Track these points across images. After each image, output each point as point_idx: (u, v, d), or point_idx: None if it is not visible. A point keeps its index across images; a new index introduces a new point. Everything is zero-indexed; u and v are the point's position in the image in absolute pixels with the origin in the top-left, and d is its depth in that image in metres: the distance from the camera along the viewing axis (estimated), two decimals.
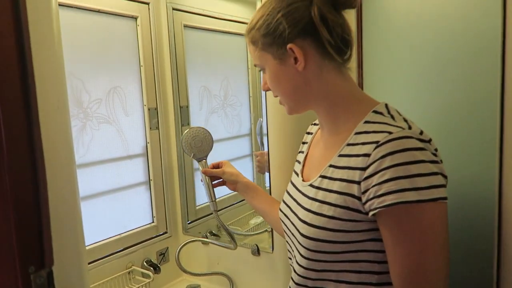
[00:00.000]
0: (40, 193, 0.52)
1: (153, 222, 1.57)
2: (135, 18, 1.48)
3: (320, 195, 0.77)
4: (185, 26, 1.61)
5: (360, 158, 0.70)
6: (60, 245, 0.62)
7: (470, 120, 1.04)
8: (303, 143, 1.00)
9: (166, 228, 1.60)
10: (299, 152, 0.99)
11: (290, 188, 0.92)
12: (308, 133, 1.00)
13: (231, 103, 1.78)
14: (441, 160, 0.71)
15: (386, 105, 0.77)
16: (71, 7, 1.28)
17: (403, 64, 1.15)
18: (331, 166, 0.77)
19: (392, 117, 0.74)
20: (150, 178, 1.55)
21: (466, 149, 1.05)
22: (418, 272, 0.67)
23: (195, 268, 1.58)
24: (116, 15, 1.41)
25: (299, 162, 0.94)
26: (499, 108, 0.94)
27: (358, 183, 0.70)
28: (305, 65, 0.77)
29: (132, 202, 1.51)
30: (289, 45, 0.75)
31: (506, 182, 0.93)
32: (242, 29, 1.83)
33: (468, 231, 1.06)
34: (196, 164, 1.47)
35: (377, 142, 0.68)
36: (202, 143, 1.24)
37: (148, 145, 1.54)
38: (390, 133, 0.68)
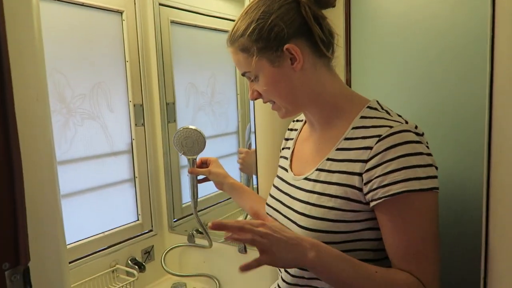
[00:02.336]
0: (15, 188, 0.50)
1: (138, 220, 1.55)
2: (121, 13, 1.45)
3: (318, 187, 0.79)
4: (172, 22, 1.59)
5: (361, 151, 0.73)
6: (38, 242, 0.60)
7: (458, 119, 1.04)
8: (286, 139, 1.00)
9: (152, 226, 1.58)
10: (283, 148, 0.99)
11: (279, 183, 0.92)
12: (291, 129, 1.01)
13: (218, 101, 1.77)
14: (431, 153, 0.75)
15: (377, 102, 0.81)
16: (56, 0, 1.25)
17: (391, 62, 1.16)
18: (328, 159, 0.79)
19: (387, 112, 0.78)
20: (135, 176, 1.53)
21: (454, 148, 1.06)
22: (420, 253, 0.71)
23: (181, 267, 1.57)
24: (101, 9, 1.38)
25: (286, 158, 0.95)
26: (488, 105, 0.95)
27: (360, 174, 0.73)
28: (302, 64, 0.78)
29: (117, 199, 1.48)
30: (286, 46, 0.76)
31: (493, 179, 0.93)
32: (230, 26, 1.82)
33: (456, 228, 1.07)
34: (183, 161, 1.46)
35: (379, 135, 0.72)
36: (193, 144, 1.25)
37: (133, 141, 1.51)
38: (391, 127, 0.72)
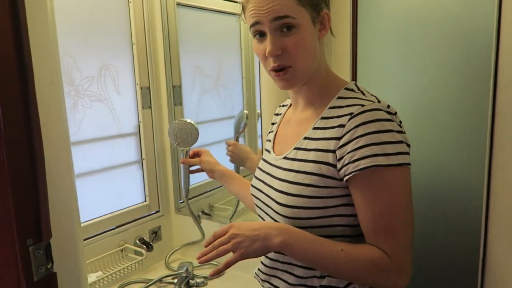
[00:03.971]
0: (37, 166, 0.52)
1: (145, 201, 1.58)
2: None
3: (296, 165, 0.82)
4: (178, 4, 1.59)
5: (336, 129, 0.76)
6: (56, 219, 0.63)
7: (461, 117, 1.05)
8: (273, 123, 1.04)
9: (159, 207, 1.61)
10: (269, 132, 1.03)
11: (262, 164, 0.96)
12: (277, 114, 1.05)
13: (223, 84, 1.77)
14: (404, 131, 0.78)
15: (355, 84, 0.85)
16: None
17: (395, 58, 1.16)
18: (306, 138, 0.82)
19: (362, 93, 0.82)
20: (143, 157, 1.55)
21: (455, 147, 1.07)
22: (389, 227, 0.73)
23: (187, 246, 1.61)
24: None
25: (269, 141, 0.98)
26: (491, 106, 0.95)
27: (334, 151, 0.76)
28: (323, 35, 0.83)
29: (125, 180, 1.51)
30: (325, 11, 0.80)
31: (494, 176, 0.95)
32: (236, 8, 1.81)
33: (455, 229, 1.09)
34: None
35: (351, 113, 0.75)
36: (187, 136, 1.32)
37: (141, 124, 1.53)
38: (362, 105, 0.75)
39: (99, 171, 1.41)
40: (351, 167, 0.73)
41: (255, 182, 0.96)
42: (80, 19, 1.31)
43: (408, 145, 0.76)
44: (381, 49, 1.18)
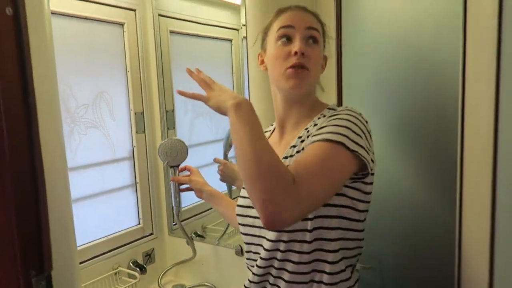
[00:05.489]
0: (40, 199, 0.56)
1: (139, 224, 1.61)
2: (122, 25, 1.51)
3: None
4: (171, 32, 1.65)
5: (309, 128, 0.88)
6: (55, 249, 0.66)
7: (434, 120, 1.12)
8: None
9: (152, 230, 1.64)
10: None
11: None
12: None
13: None
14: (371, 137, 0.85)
15: (336, 105, 0.95)
16: (60, 14, 1.30)
17: (377, 67, 1.23)
18: (292, 146, 0.89)
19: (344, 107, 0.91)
20: (137, 181, 1.58)
21: (430, 146, 1.14)
22: (307, 166, 0.75)
23: (180, 267, 1.63)
24: (103, 21, 1.44)
25: None
26: (460, 108, 1.02)
27: (303, 141, 0.86)
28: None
29: (119, 204, 1.54)
30: (325, 54, 0.96)
31: (466, 176, 1.00)
32: (227, 34, 1.88)
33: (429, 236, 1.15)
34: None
35: (324, 115, 0.88)
36: (177, 154, 1.35)
37: (135, 148, 1.57)
38: (334, 109, 0.89)
39: (94, 195, 1.44)
40: (304, 145, 0.83)
41: (241, 201, 0.97)
42: (76, 49, 1.36)
43: (367, 152, 0.80)
44: (363, 57, 1.26)
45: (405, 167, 1.19)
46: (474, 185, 0.97)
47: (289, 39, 0.89)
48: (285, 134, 0.96)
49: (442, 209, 1.12)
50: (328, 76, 1.05)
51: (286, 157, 0.89)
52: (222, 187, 1.41)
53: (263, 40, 0.97)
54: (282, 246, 0.85)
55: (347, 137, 0.77)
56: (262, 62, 0.98)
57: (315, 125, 0.87)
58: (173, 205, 1.42)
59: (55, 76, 0.76)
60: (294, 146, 0.88)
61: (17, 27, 0.56)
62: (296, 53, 0.86)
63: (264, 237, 0.88)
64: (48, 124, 0.68)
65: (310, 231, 0.82)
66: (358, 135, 0.79)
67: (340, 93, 1.31)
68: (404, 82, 1.17)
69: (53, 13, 1.28)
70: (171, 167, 1.36)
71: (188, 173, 1.32)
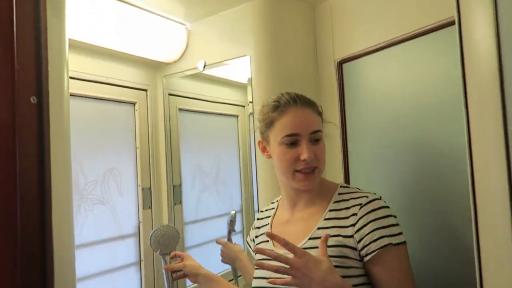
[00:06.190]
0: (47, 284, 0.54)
1: None
2: (134, 104, 1.58)
3: (314, 253, 0.85)
4: (180, 109, 1.72)
5: (349, 218, 0.90)
6: None
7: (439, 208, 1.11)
8: (258, 227, 1.11)
9: None
10: (257, 236, 1.09)
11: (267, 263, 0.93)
12: (259, 218, 1.13)
13: (222, 181, 1.83)
14: None
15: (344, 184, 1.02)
16: (75, 96, 1.37)
17: (378, 142, 1.26)
18: (319, 228, 0.93)
19: (357, 188, 0.98)
20: (141, 259, 1.54)
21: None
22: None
23: None
24: (116, 101, 1.51)
25: (267, 241, 1.02)
26: (468, 158, 1.01)
27: (352, 236, 0.89)
28: None
29: (123, 282, 1.48)
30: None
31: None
32: (234, 110, 1.95)
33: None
34: (186, 243, 1.48)
35: (360, 204, 0.91)
36: (170, 241, 1.29)
37: (141, 224, 1.55)
38: (367, 197, 0.92)
39: (99, 274, 1.40)
40: (373, 246, 0.86)
41: (257, 282, 0.96)
42: (88, 127, 1.41)
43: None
44: (365, 133, 1.28)
45: (414, 246, 1.16)
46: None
47: (293, 144, 0.94)
48: (296, 211, 1.01)
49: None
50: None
51: (313, 238, 0.92)
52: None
53: (263, 132, 1.00)
54: None
55: (399, 233, 0.88)
56: (264, 149, 1.02)
57: (345, 208, 0.92)
58: None
59: (69, 157, 0.78)
60: (323, 228, 0.92)
61: (39, 114, 0.59)
62: (305, 160, 0.92)
63: None
64: (61, 207, 0.68)
65: None
66: (398, 224, 0.89)
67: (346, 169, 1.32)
68: (408, 157, 1.19)
69: (71, 95, 1.34)
70: (163, 256, 1.28)
71: (180, 259, 1.26)
